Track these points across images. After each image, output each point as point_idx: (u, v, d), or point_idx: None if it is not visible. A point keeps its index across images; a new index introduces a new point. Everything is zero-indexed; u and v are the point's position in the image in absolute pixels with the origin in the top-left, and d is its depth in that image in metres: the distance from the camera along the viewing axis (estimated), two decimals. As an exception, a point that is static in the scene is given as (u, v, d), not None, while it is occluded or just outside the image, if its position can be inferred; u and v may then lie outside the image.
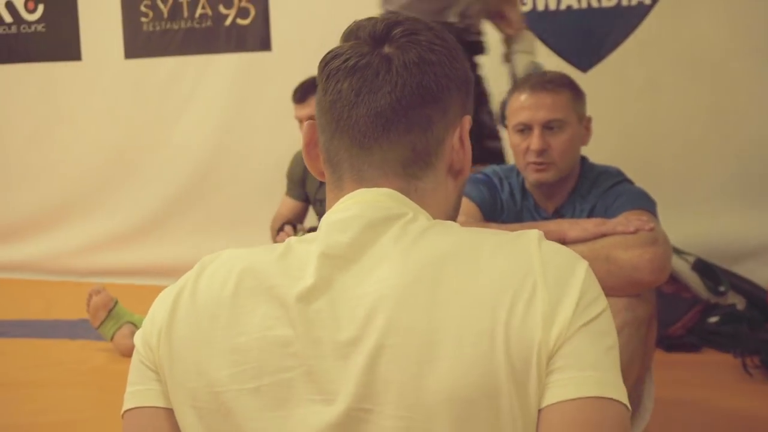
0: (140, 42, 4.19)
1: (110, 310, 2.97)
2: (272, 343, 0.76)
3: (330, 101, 0.84)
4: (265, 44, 4.01)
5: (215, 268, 0.82)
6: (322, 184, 3.34)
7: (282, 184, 3.55)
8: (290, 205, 3.46)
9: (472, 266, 0.75)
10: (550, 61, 3.19)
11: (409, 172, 0.83)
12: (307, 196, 3.42)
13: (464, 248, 0.77)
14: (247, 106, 4.04)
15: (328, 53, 0.85)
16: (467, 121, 0.88)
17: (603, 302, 0.77)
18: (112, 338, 2.97)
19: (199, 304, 0.80)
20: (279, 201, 3.54)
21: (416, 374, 0.72)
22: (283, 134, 3.72)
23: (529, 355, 0.72)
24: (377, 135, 0.82)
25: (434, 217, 0.84)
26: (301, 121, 3.27)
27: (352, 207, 0.81)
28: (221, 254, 0.84)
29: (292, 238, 0.82)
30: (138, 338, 0.84)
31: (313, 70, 3.51)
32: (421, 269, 0.75)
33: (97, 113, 4.29)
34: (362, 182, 0.84)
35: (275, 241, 3.21)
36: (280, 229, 3.12)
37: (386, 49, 0.84)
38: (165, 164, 4.20)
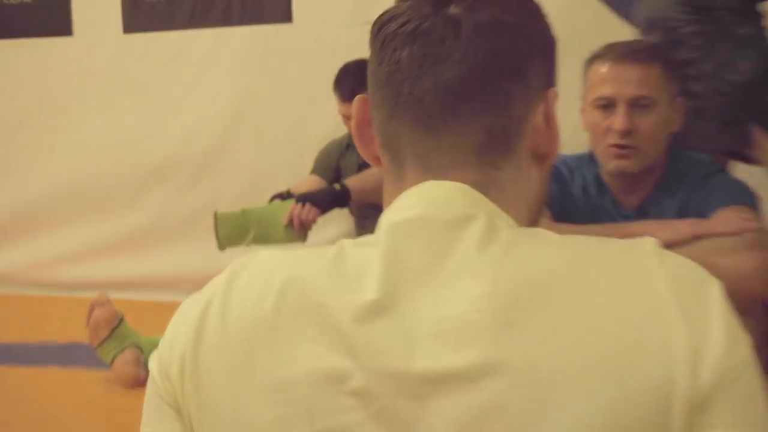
0: (141, 13, 4.23)
1: (114, 328, 2.96)
2: (325, 378, 0.74)
3: (387, 73, 0.84)
4: (285, 15, 4.04)
5: (249, 277, 0.81)
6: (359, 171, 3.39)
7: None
8: (314, 183, 3.43)
9: (583, 289, 0.73)
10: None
11: (485, 159, 0.83)
12: (335, 180, 3.43)
13: (571, 265, 0.75)
14: (265, 88, 4.06)
15: (383, 14, 0.85)
16: (553, 95, 0.86)
17: (745, 333, 0.75)
18: (112, 362, 2.96)
19: (231, 326, 0.79)
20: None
21: (526, 425, 0.70)
22: (309, 122, 3.77)
23: (667, 406, 0.70)
24: (446, 114, 0.82)
25: (517, 214, 0.84)
26: (346, 117, 3.31)
27: (419, 204, 0.81)
28: (256, 258, 0.83)
29: (345, 241, 0.81)
30: (153, 365, 0.83)
31: (342, 45, 3.42)
32: (519, 290, 0.73)
33: (91, 98, 4.31)
34: (428, 172, 0.83)
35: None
36: (272, 199, 3.14)
37: (452, 10, 0.83)
38: (170, 157, 4.23)
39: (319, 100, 3.66)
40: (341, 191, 3.07)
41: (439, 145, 0.83)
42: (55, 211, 4.36)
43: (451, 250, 0.77)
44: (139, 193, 4.29)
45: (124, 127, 4.28)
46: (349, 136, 3.43)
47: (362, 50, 3.51)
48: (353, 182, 3.10)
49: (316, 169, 3.53)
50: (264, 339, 0.77)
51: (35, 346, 3.47)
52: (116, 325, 2.95)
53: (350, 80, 3.28)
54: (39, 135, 4.39)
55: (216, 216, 2.98)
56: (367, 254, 0.78)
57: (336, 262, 0.78)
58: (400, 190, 0.84)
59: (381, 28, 0.85)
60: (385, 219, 0.82)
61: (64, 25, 4.29)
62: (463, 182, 0.82)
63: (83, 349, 3.06)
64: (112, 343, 2.96)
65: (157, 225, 4.25)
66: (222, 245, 2.97)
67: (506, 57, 0.82)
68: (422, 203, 0.81)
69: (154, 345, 0.88)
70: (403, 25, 0.83)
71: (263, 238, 2.96)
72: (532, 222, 0.87)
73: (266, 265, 0.81)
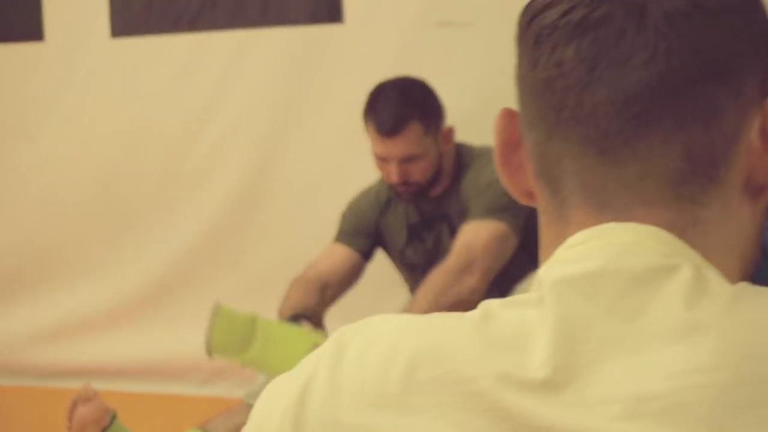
0: (135, 12, 4.17)
1: (104, 429, 2.97)
2: None
3: (544, 80, 0.83)
4: (333, 13, 3.96)
5: (364, 345, 0.81)
6: (411, 237, 3.37)
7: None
8: (344, 256, 3.42)
9: None
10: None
11: (683, 193, 0.82)
12: (371, 250, 3.44)
13: None
14: (306, 106, 3.97)
15: (534, 1, 0.86)
16: None
17: None
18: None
19: (343, 410, 0.78)
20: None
21: None
22: (363, 147, 3.59)
23: None
24: (628, 134, 0.81)
25: (724, 265, 0.82)
26: (384, 160, 3.21)
27: (596, 254, 0.80)
28: (371, 322, 0.84)
29: (490, 301, 0.82)
30: None
31: (410, 52, 3.53)
32: (748, 362, 0.72)
33: (69, 122, 4.27)
34: (605, 211, 0.82)
35: (281, 311, 3.21)
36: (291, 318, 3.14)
37: None
38: (176, 202, 4.15)
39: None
40: None
41: (619, 175, 0.82)
42: (22, 273, 4.33)
43: (644, 310, 0.76)
44: (136, 248, 4.21)
45: (117, 160, 4.22)
46: (389, 187, 3.34)
47: (435, 59, 3.22)
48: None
49: (343, 235, 3.46)
50: (390, 421, 0.77)
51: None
52: (107, 424, 2.99)
53: (394, 109, 3.18)
54: (5, 171, 4.35)
55: (217, 311, 3.01)
56: (524, 318, 0.78)
57: (483, 326, 0.79)
58: (562, 235, 0.84)
59: (534, 18, 0.84)
60: (549, 273, 0.80)
61: (32, 26, 4.27)
62: (654, 225, 0.81)
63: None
64: (103, 450, 3.04)
65: (158, 292, 4.17)
66: (212, 350, 3.01)
67: (710, 55, 0.81)
68: (600, 252, 0.80)
69: None
70: (565, 14, 0.82)
71: (264, 363, 2.99)
72: (745, 275, 0.85)
73: (386, 332, 0.82)
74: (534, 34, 0.84)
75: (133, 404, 3.49)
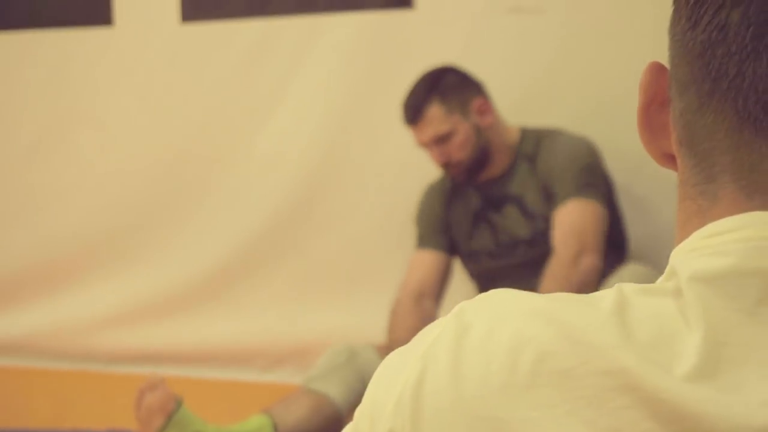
0: None
1: (171, 415, 3.04)
2: None
3: (703, 42, 0.79)
4: None
5: (488, 328, 0.79)
6: (477, 221, 3.39)
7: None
8: (430, 261, 3.45)
9: None
10: None
11: None
12: (452, 245, 3.47)
13: None
14: (374, 96, 3.98)
15: None
16: None
17: None
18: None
19: (467, 397, 0.77)
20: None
21: None
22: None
23: None
24: None
25: None
26: (423, 147, 3.37)
27: (734, 250, 0.77)
28: (493, 301, 0.82)
29: (624, 285, 0.80)
30: None
31: (482, 40, 3.60)
32: None
33: (137, 107, 4.30)
34: (754, 194, 0.79)
35: (391, 340, 3.28)
36: None
37: None
38: (241, 189, 4.17)
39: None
40: None
41: None
42: (83, 261, 4.34)
43: None
44: (199, 234, 4.21)
45: (179, 147, 4.25)
46: (448, 177, 3.42)
47: (505, 45, 3.22)
48: None
49: (422, 240, 3.52)
50: (517, 416, 0.75)
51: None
52: (174, 409, 3.06)
53: (411, 96, 3.35)
54: (66, 158, 4.36)
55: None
56: (664, 309, 0.77)
57: (619, 314, 0.77)
58: (704, 215, 0.81)
59: None
60: (685, 263, 0.78)
61: (102, 11, 4.27)
62: None
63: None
64: (170, 435, 3.12)
65: (221, 278, 4.19)
66: None
67: None
68: (737, 247, 0.77)
69: None
70: None
71: None
72: None
73: (512, 315, 0.80)
74: None
75: (194, 390, 3.53)
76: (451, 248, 3.48)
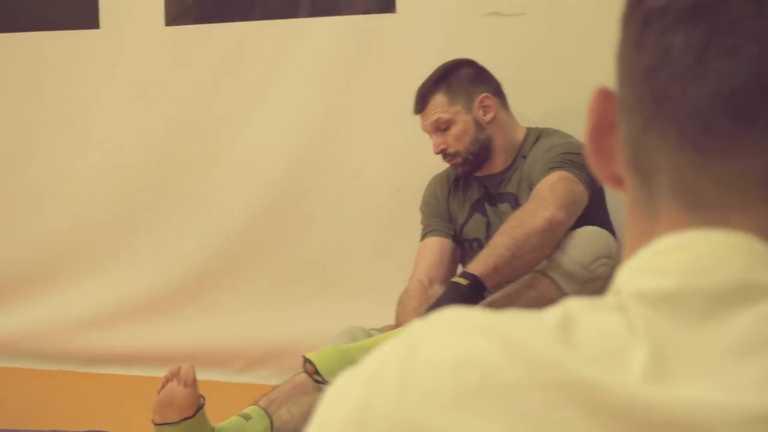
0: (189, 1, 4.25)
1: (187, 417, 3.02)
2: None
3: (648, 66, 0.80)
4: (386, 3, 3.99)
5: (436, 347, 0.78)
6: (473, 211, 3.44)
7: (414, 220, 3.60)
8: (439, 247, 3.46)
9: None
10: None
11: None
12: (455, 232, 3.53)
13: None
14: (354, 99, 4.01)
15: None
16: None
17: None
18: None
19: (414, 414, 0.76)
20: (408, 249, 3.57)
21: None
22: (414, 141, 3.66)
23: None
24: (732, 132, 0.78)
25: None
26: (428, 135, 3.42)
27: (675, 268, 0.78)
28: (442, 321, 0.81)
29: (569, 302, 0.80)
30: None
31: (456, 40, 3.80)
32: None
33: (119, 109, 4.32)
34: (696, 211, 0.80)
35: (398, 324, 3.27)
36: None
37: None
38: (220, 191, 4.20)
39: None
40: (470, 287, 3.00)
41: (717, 175, 0.79)
42: (64, 262, 4.35)
43: (720, 331, 0.75)
44: (177, 236, 4.25)
45: (161, 149, 4.28)
46: (452, 166, 3.45)
47: (486, 49, 3.26)
48: (482, 264, 3.01)
49: (427, 228, 3.54)
50: (463, 427, 0.75)
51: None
52: (191, 415, 3.02)
53: (421, 87, 3.37)
54: (47, 160, 4.39)
55: (309, 360, 3.00)
56: (609, 322, 0.77)
57: (564, 328, 0.77)
58: (649, 234, 0.82)
59: None
60: (629, 281, 0.79)
61: (88, 14, 4.32)
62: (749, 228, 0.78)
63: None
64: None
65: (198, 280, 4.22)
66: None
67: None
68: (680, 266, 0.78)
69: None
70: None
71: None
72: None
73: (460, 332, 0.79)
74: (642, 15, 0.81)
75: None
76: (455, 235, 3.51)
